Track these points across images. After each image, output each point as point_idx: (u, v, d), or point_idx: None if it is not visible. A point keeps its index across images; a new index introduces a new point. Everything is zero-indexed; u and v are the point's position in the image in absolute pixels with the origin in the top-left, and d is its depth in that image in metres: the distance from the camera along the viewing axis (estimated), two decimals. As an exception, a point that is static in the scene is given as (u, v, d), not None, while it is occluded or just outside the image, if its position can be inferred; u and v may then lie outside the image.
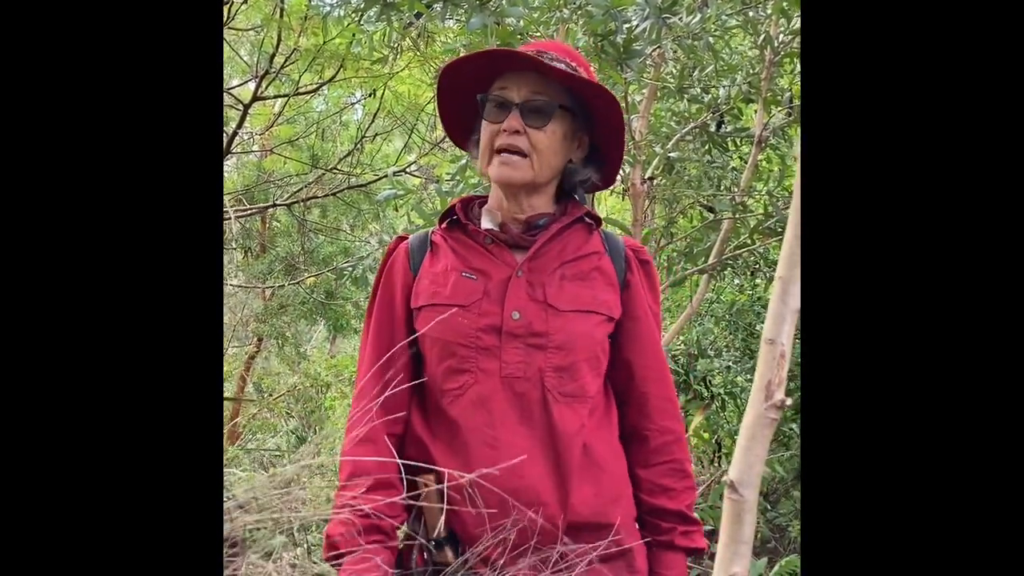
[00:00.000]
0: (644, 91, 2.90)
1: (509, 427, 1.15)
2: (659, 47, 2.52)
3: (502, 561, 1.06)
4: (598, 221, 1.30)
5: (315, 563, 1.23)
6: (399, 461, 1.11)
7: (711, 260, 2.96)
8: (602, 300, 1.22)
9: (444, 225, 1.28)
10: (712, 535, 3.52)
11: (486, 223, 1.26)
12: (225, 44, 4.92)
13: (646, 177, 2.77)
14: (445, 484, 1.12)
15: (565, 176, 1.26)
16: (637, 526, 1.26)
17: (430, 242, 1.28)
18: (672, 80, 2.85)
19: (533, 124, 1.17)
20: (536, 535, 1.10)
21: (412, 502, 1.13)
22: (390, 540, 1.15)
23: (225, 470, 1.09)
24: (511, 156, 1.18)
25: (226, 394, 6.70)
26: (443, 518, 1.14)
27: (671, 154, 2.81)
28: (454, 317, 1.17)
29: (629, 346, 1.26)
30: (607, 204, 4.88)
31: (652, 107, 2.90)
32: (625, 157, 2.69)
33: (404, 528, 1.20)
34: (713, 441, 3.68)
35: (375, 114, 5.36)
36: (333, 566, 1.12)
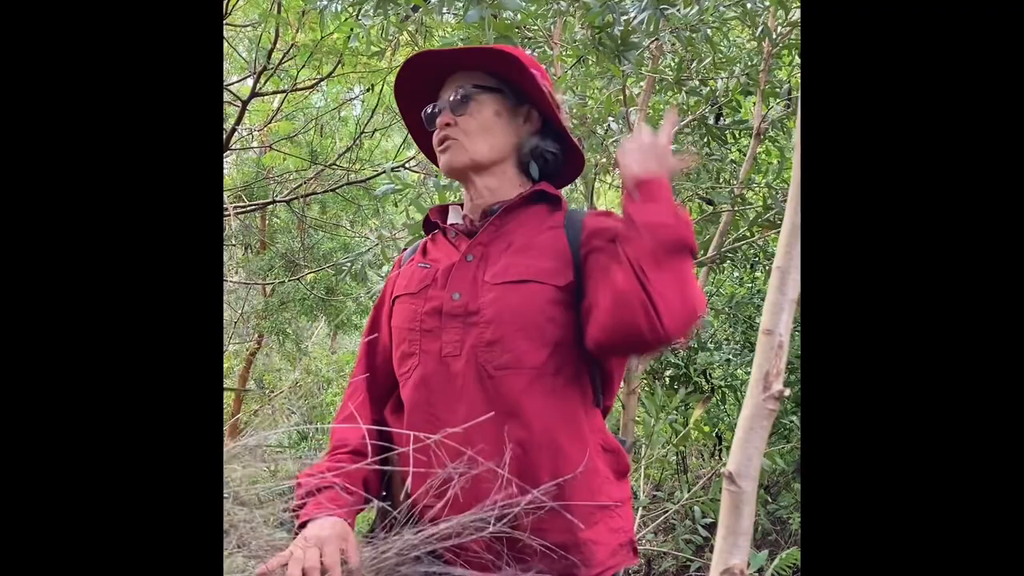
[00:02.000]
0: (642, 84, 2.90)
1: (447, 405, 1.18)
2: (657, 39, 2.51)
3: (433, 515, 1.10)
4: (558, 199, 1.31)
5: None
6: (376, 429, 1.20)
7: (710, 253, 2.96)
8: (539, 267, 1.20)
9: (430, 232, 1.39)
10: (712, 528, 3.54)
11: (451, 219, 1.35)
12: (223, 40, 4.89)
13: (645, 170, 2.76)
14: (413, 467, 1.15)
15: (529, 153, 1.31)
16: (609, 520, 1.21)
17: (420, 247, 1.38)
18: (670, 72, 2.84)
19: (458, 113, 1.27)
20: (479, 502, 1.10)
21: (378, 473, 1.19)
22: (355, 486, 1.18)
23: (226, 466, 1.10)
24: (446, 142, 1.28)
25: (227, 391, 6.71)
26: (404, 495, 1.18)
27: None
28: (406, 304, 1.26)
29: (591, 307, 1.18)
30: (607, 198, 4.87)
31: (650, 100, 2.89)
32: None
33: (375, 505, 1.24)
34: (713, 434, 3.68)
35: (374, 110, 5.35)
36: (296, 512, 1.15)
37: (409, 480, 1.14)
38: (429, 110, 1.33)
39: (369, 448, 1.22)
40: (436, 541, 1.08)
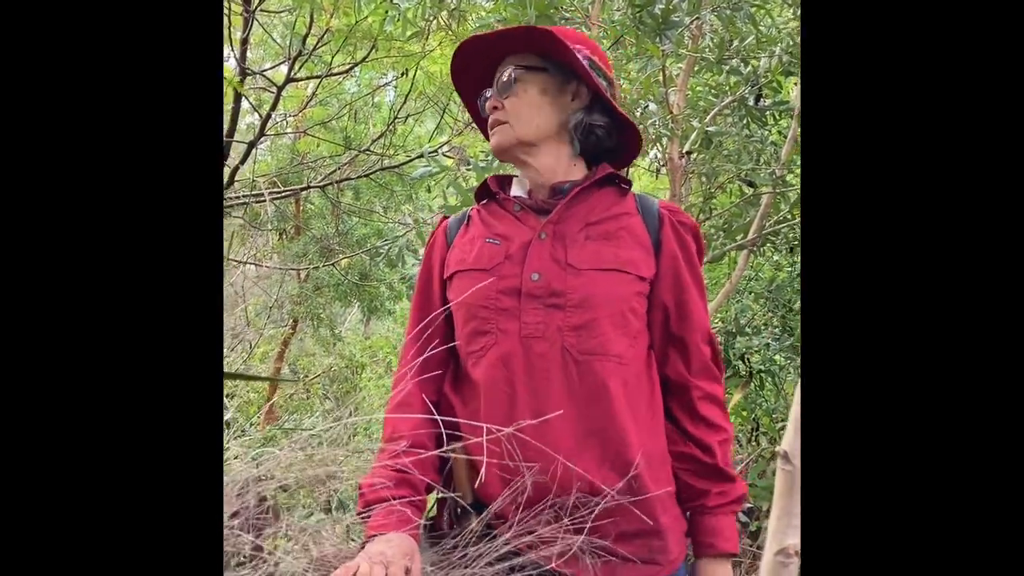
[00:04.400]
0: (682, 64, 2.86)
1: (528, 386, 1.16)
2: (697, 18, 2.47)
3: (518, 518, 1.09)
4: (628, 183, 1.30)
5: (353, 540, 1.24)
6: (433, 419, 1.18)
7: (750, 236, 2.92)
8: (627, 258, 1.21)
9: (482, 201, 1.35)
10: (751, 513, 3.51)
11: (515, 191, 1.32)
12: (258, 26, 4.93)
13: (684, 152, 2.73)
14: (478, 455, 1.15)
15: (573, 129, 1.29)
16: (676, 508, 1.22)
17: (467, 217, 1.34)
18: (711, 52, 2.80)
19: (504, 95, 1.28)
20: (555, 494, 1.11)
21: (444, 454, 1.18)
22: (419, 495, 1.17)
23: (262, 449, 1.10)
24: (495, 126, 1.29)
25: (264, 374, 6.79)
26: (471, 486, 1.17)
27: (709, 128, 2.76)
28: (476, 281, 1.22)
29: (664, 306, 1.25)
30: (642, 182, 4.83)
31: (690, 80, 2.85)
32: (663, 131, 2.67)
33: (435, 494, 1.23)
34: (751, 419, 3.65)
35: (407, 95, 5.35)
36: (363, 519, 1.13)
37: (483, 472, 1.12)
38: (485, 96, 1.33)
39: (431, 440, 1.19)
40: (513, 551, 1.08)
